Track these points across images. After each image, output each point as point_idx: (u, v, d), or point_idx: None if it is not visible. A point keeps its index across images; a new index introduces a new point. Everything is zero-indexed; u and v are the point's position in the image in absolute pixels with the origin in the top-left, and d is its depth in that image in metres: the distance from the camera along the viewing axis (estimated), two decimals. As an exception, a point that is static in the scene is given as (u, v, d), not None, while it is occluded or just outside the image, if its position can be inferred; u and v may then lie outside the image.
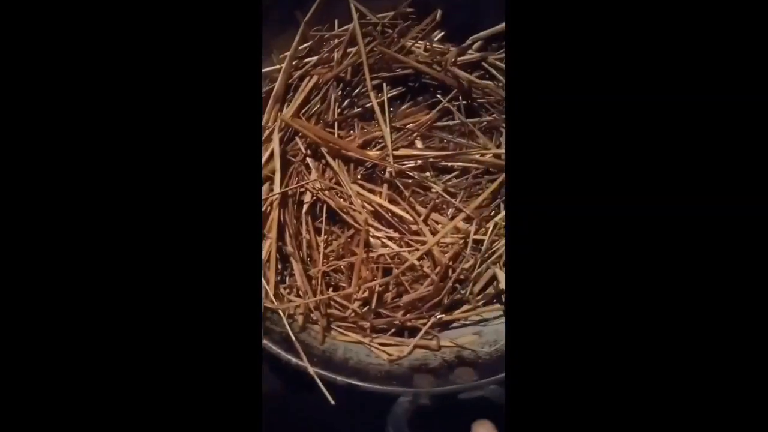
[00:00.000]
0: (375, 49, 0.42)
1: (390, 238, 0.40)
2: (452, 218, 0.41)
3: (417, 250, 0.38)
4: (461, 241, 0.39)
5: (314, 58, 0.42)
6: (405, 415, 0.31)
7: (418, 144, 0.43)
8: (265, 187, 0.40)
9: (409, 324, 0.39)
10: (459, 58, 0.43)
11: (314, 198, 0.41)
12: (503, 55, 0.43)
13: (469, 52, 0.43)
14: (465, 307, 0.40)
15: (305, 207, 0.41)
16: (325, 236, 0.40)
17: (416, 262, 0.38)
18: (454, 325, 0.40)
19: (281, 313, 0.37)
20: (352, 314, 0.39)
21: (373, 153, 0.42)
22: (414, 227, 0.40)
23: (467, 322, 0.40)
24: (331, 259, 0.40)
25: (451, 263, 0.39)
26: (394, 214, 0.40)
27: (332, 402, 0.33)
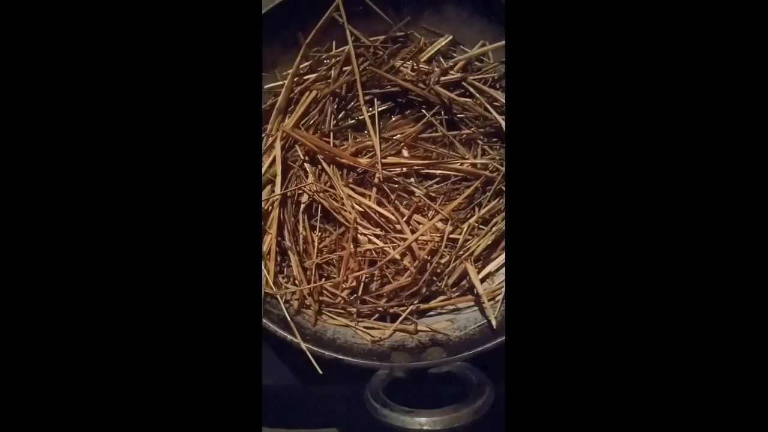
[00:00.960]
0: (367, 68, 0.47)
1: (376, 236, 0.45)
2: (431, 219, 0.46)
3: (398, 246, 0.44)
4: (437, 239, 0.44)
5: (313, 75, 0.47)
6: (381, 384, 0.36)
7: (405, 153, 0.48)
8: (267, 189, 0.45)
9: (391, 310, 0.44)
10: (442, 78, 0.48)
11: (310, 199, 0.46)
12: (481, 75, 0.48)
13: (451, 72, 0.48)
14: (441, 298, 0.45)
15: (302, 207, 0.46)
16: (319, 233, 0.45)
17: (397, 257, 0.43)
18: (431, 313, 0.45)
19: (279, 299, 0.42)
20: (341, 301, 0.44)
21: (363, 160, 0.47)
22: (398, 226, 0.45)
23: (442, 311, 0.45)
24: (324, 252, 0.45)
25: (428, 258, 0.44)
26: (380, 214, 0.45)
27: (320, 372, 0.38)
